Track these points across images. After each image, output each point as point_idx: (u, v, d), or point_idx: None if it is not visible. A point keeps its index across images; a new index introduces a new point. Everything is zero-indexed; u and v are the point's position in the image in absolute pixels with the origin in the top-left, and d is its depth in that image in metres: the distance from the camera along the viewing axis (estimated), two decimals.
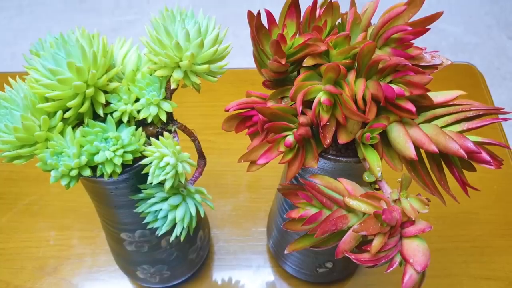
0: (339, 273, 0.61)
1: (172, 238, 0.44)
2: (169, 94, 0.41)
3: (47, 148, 0.38)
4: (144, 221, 0.44)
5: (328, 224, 0.34)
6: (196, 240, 0.58)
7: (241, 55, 1.03)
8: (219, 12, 1.68)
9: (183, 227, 0.43)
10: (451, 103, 0.37)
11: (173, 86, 0.39)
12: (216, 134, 0.78)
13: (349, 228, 0.35)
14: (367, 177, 0.37)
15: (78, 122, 0.40)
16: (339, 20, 0.40)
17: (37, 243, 0.68)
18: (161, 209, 0.42)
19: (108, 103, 0.40)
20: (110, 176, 0.39)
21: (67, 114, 0.38)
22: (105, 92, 0.40)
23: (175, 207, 0.42)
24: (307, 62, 0.36)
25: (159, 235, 0.44)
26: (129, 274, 0.60)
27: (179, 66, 0.38)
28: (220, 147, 0.77)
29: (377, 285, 0.63)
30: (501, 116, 0.36)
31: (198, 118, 0.81)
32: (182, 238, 0.43)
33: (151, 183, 0.39)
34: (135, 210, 0.44)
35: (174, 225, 0.44)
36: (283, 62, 0.35)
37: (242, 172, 0.74)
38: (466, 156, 0.32)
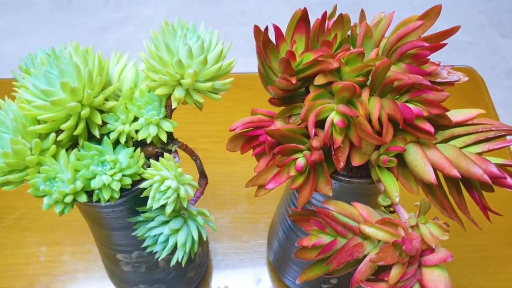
0: None
1: (173, 262, 0.41)
2: (169, 112, 0.38)
3: (39, 173, 0.35)
4: (143, 245, 0.42)
5: (343, 255, 0.32)
6: (195, 257, 0.56)
7: (233, 56, 1.01)
8: (210, 12, 1.65)
9: (185, 252, 0.40)
10: (470, 122, 0.35)
11: (174, 105, 0.36)
12: (212, 143, 0.76)
13: (364, 256, 0.33)
14: (382, 201, 0.35)
15: (72, 143, 0.38)
16: (349, 32, 0.38)
17: (27, 259, 0.65)
18: (161, 233, 0.40)
19: (104, 123, 0.37)
20: (108, 201, 0.37)
21: (61, 137, 0.35)
22: (101, 111, 0.37)
23: (176, 231, 0.40)
24: (319, 80, 0.33)
25: (159, 260, 0.41)
26: None
27: (180, 84, 0.36)
28: (217, 156, 0.74)
29: None
30: None
31: (193, 126, 0.79)
32: (183, 263, 0.41)
33: (151, 207, 0.37)
34: (132, 234, 0.42)
35: (174, 248, 0.41)
36: (294, 81, 0.33)
37: (240, 182, 0.71)
38: (490, 182, 0.31)
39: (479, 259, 0.64)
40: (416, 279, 0.33)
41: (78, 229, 0.67)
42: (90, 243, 0.66)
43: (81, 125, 0.36)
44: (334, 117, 0.33)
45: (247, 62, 0.88)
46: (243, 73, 0.85)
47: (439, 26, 0.33)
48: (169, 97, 0.37)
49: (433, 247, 0.32)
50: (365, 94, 0.34)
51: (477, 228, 0.61)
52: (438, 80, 0.36)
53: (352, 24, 0.38)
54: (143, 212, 0.41)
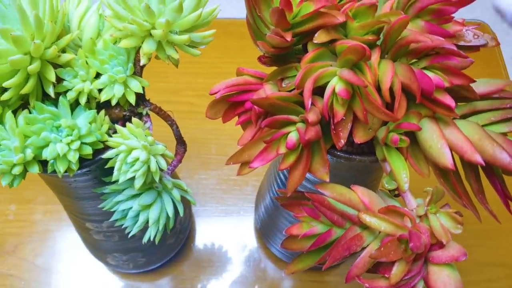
0: None
1: (145, 240, 0.37)
2: (138, 68, 0.32)
3: None
4: (111, 219, 0.37)
5: (340, 250, 0.27)
6: (175, 224, 0.51)
7: (228, 1, 0.92)
8: None
9: (158, 230, 0.36)
10: (496, 95, 0.29)
11: (143, 61, 0.30)
12: (199, 96, 0.70)
13: (362, 248, 0.29)
14: (386, 184, 0.30)
15: (23, 103, 0.32)
16: None
17: None
18: (130, 208, 0.35)
19: (60, 80, 0.31)
20: (65, 171, 0.31)
21: (5, 96, 0.29)
22: (57, 66, 0.31)
23: (148, 206, 0.35)
24: (320, 37, 0.27)
25: (129, 236, 0.36)
26: (100, 260, 0.53)
27: (151, 35, 0.30)
28: (203, 111, 0.67)
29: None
30: None
31: (178, 77, 0.72)
32: (157, 241, 0.36)
33: (118, 179, 0.32)
34: (99, 206, 0.37)
35: (147, 223, 0.36)
36: (288, 38, 0.27)
37: (228, 141, 0.67)
38: None
39: (479, 232, 0.60)
40: (421, 277, 0.28)
41: None
42: None
43: (31, 82, 0.29)
44: (336, 85, 0.27)
45: (239, 6, 0.80)
46: (234, 19, 0.77)
47: None
48: (138, 50, 0.31)
49: (444, 243, 0.27)
50: (375, 56, 0.28)
51: (474, 199, 0.56)
52: (461, 43, 0.30)
53: None
54: (111, 183, 0.35)
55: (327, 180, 0.28)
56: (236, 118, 0.33)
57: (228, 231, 0.61)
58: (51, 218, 0.60)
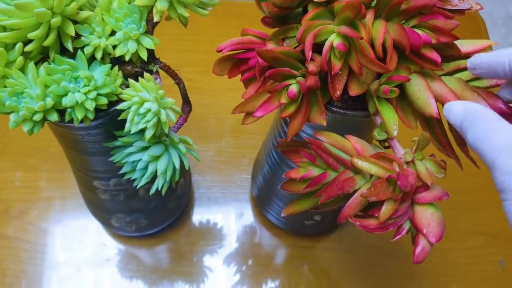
0: (326, 225, 0.58)
1: (152, 191, 0.39)
2: (150, 27, 0.34)
3: (5, 87, 0.32)
4: (121, 171, 0.39)
5: (334, 188, 0.30)
6: (176, 188, 0.54)
7: None
8: None
9: (165, 181, 0.38)
10: None
11: (156, 18, 0.33)
12: (198, 72, 0.72)
13: (355, 191, 0.32)
14: (377, 135, 0.33)
15: (43, 57, 0.34)
16: None
17: (1, 184, 0.62)
18: (140, 160, 0.38)
19: (78, 36, 0.34)
20: (81, 121, 0.34)
21: (28, 47, 0.32)
22: (75, 22, 0.33)
23: (157, 158, 0.37)
24: None
25: (137, 187, 0.39)
26: (103, 222, 0.56)
27: None
28: (203, 87, 0.71)
29: (362, 235, 0.61)
30: None
31: (177, 54, 0.74)
32: (163, 192, 0.39)
33: (129, 131, 0.34)
34: (110, 159, 0.39)
35: (154, 176, 0.39)
36: None
37: (226, 115, 0.69)
38: None
39: (462, 203, 0.64)
40: (407, 217, 0.31)
41: (55, 155, 0.64)
42: (67, 170, 0.63)
43: (52, 36, 0.32)
44: (334, 40, 0.30)
45: None
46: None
47: None
48: (151, 9, 0.34)
49: (429, 184, 0.30)
50: (369, 16, 0.30)
51: (459, 172, 0.59)
52: (448, 7, 0.33)
53: None
54: (121, 137, 0.38)
55: (324, 124, 0.30)
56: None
57: (225, 200, 0.63)
58: (55, 186, 0.63)
